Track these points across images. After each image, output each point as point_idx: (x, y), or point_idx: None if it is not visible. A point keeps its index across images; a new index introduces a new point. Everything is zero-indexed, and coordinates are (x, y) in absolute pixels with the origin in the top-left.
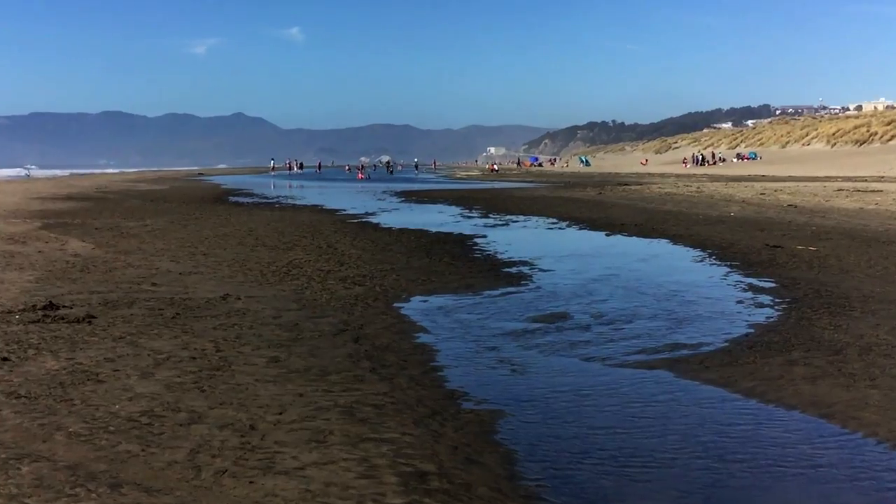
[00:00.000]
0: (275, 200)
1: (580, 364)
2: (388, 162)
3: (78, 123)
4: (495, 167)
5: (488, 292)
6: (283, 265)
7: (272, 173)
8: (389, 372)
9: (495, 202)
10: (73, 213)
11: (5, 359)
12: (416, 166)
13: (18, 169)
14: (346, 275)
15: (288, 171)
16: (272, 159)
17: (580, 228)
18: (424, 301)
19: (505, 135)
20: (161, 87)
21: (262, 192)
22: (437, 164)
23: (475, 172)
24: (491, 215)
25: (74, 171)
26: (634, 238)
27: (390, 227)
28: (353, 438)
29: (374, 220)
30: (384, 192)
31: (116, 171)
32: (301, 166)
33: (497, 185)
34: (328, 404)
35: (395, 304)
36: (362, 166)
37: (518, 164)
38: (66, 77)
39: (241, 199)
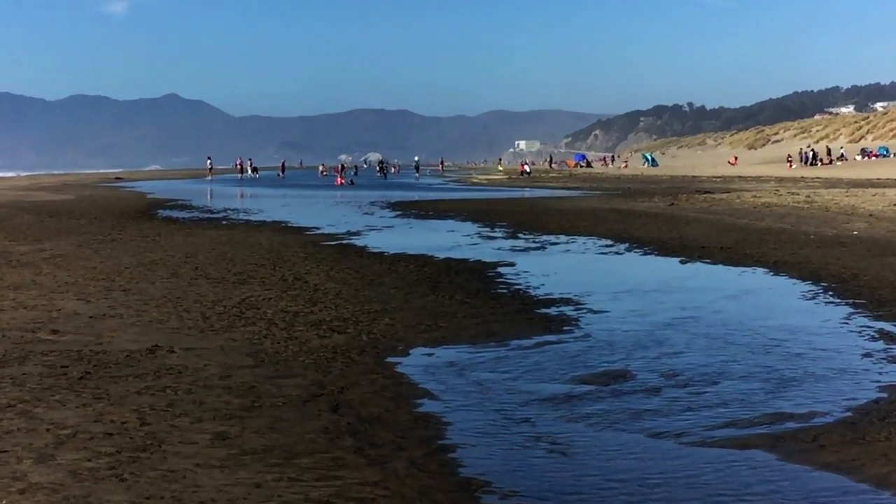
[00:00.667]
0: (221, 215)
1: (646, 442)
2: (380, 162)
3: None
4: (526, 168)
5: (518, 342)
6: (234, 305)
7: (209, 178)
8: (381, 453)
9: (527, 217)
10: None
11: None
12: (417, 167)
13: None
14: (321, 318)
15: (238, 175)
16: (208, 158)
17: (644, 253)
18: (429, 354)
19: (540, 124)
20: (64, 59)
21: (203, 203)
22: (446, 163)
23: (499, 176)
24: (521, 235)
25: None
26: (720, 266)
27: (382, 252)
28: None
29: (358, 242)
30: (373, 202)
31: (3, 174)
32: (254, 169)
33: (529, 192)
34: (296, 499)
35: (389, 359)
36: (342, 167)
37: (556, 163)
38: None
39: (175, 214)
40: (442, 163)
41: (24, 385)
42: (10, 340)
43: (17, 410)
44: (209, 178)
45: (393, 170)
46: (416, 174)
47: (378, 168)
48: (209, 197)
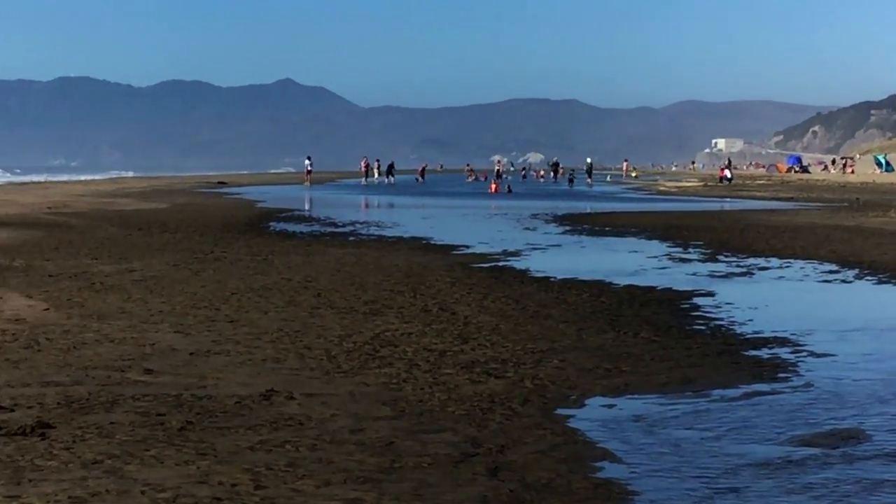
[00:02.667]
0: (348, 230)
1: None
2: (555, 165)
3: (19, 96)
4: (727, 173)
5: (721, 392)
6: (366, 341)
7: (306, 184)
8: None
9: (728, 235)
10: (10, 249)
11: None
12: (589, 171)
13: None
14: (474, 359)
15: (363, 180)
16: (308, 159)
17: (879, 282)
18: (610, 406)
19: (742, 118)
20: (156, 36)
21: (325, 213)
22: (629, 167)
23: (692, 182)
24: (721, 257)
25: (10, 177)
26: None
27: (547, 278)
28: None
29: (518, 264)
30: (535, 215)
31: (82, 176)
32: (390, 171)
33: (731, 204)
34: None
35: (560, 411)
36: (498, 172)
37: (764, 167)
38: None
39: (291, 227)
40: (627, 166)
41: (112, 437)
42: (96, 381)
43: (106, 468)
44: (306, 184)
45: (553, 174)
46: (589, 180)
47: (555, 172)
48: (341, 207)
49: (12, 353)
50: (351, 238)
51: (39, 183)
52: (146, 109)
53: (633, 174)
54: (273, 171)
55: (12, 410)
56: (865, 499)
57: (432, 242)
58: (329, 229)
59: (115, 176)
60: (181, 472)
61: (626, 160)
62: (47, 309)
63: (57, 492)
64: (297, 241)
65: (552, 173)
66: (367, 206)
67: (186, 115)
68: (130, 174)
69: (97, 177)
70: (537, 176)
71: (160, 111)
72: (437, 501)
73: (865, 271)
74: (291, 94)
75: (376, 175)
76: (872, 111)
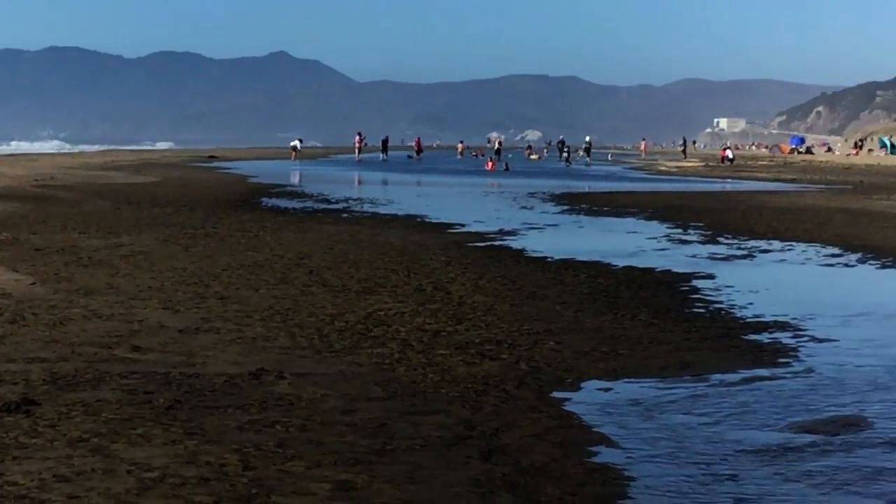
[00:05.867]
0: (342, 206)
1: None
2: (561, 143)
3: (8, 65)
4: (729, 153)
5: (720, 377)
6: (359, 320)
7: (294, 161)
8: None
9: (729, 216)
10: None
11: None
12: (588, 150)
13: None
14: (468, 339)
15: (357, 155)
16: (298, 141)
17: (883, 266)
18: (606, 389)
19: (745, 97)
20: (147, 6)
21: (318, 189)
22: (631, 147)
23: (692, 162)
24: (722, 239)
25: None
26: None
27: (544, 258)
28: None
29: (515, 243)
30: (533, 194)
31: (70, 148)
32: (384, 147)
33: (732, 184)
34: None
35: (555, 394)
36: (497, 148)
37: (767, 147)
38: None
39: (283, 203)
40: (647, 145)
41: (98, 415)
42: (82, 358)
43: (91, 446)
44: (294, 160)
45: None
46: (588, 159)
47: (562, 151)
48: (334, 182)
49: None
50: (344, 215)
51: (27, 155)
52: (137, 81)
53: (644, 152)
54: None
55: None
56: (865, 487)
57: (427, 220)
58: (322, 206)
59: (105, 148)
60: (168, 451)
61: (643, 139)
62: (34, 283)
63: (41, 470)
64: (289, 218)
65: (559, 152)
66: (361, 182)
67: (178, 88)
68: (120, 147)
69: (87, 148)
70: (530, 155)
71: (151, 83)
72: (430, 485)
73: (869, 255)
74: (285, 68)
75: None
76: (878, 92)
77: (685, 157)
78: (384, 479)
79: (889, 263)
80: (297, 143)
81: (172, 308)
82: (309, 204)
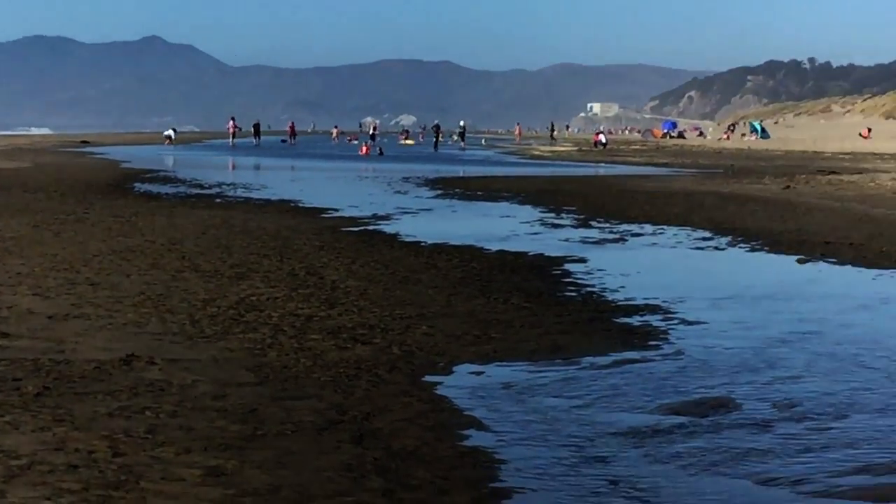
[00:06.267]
0: (215, 191)
1: (754, 491)
2: (435, 128)
3: None
4: (602, 138)
5: (591, 360)
6: (231, 306)
7: (167, 146)
8: (418, 498)
9: (602, 200)
10: None
11: None
12: (462, 135)
13: None
14: (341, 324)
15: (231, 140)
16: (172, 130)
17: (752, 249)
18: (478, 373)
19: (618, 82)
20: None
21: (191, 175)
22: (505, 132)
23: (566, 147)
24: (594, 223)
25: None
26: (849, 268)
27: (418, 242)
28: None
29: (388, 228)
30: (407, 178)
31: None
32: (257, 131)
33: (605, 169)
34: None
35: (427, 378)
36: (372, 133)
37: (640, 132)
38: None
39: (156, 189)
40: (519, 129)
41: None
42: None
43: None
44: (167, 145)
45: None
46: (462, 144)
47: (436, 134)
48: (199, 168)
49: None
50: (217, 200)
51: None
52: (8, 65)
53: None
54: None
55: None
56: (733, 468)
57: (301, 205)
58: (195, 191)
59: None
60: (37, 438)
61: (518, 123)
62: None
63: None
64: (162, 203)
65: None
66: (234, 167)
67: (50, 72)
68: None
69: None
70: (404, 140)
71: (23, 67)
72: (300, 469)
73: (739, 238)
74: (158, 52)
75: (239, 135)
76: (749, 77)
77: (554, 142)
78: (255, 464)
79: (758, 246)
80: (170, 132)
81: (42, 294)
82: (182, 189)
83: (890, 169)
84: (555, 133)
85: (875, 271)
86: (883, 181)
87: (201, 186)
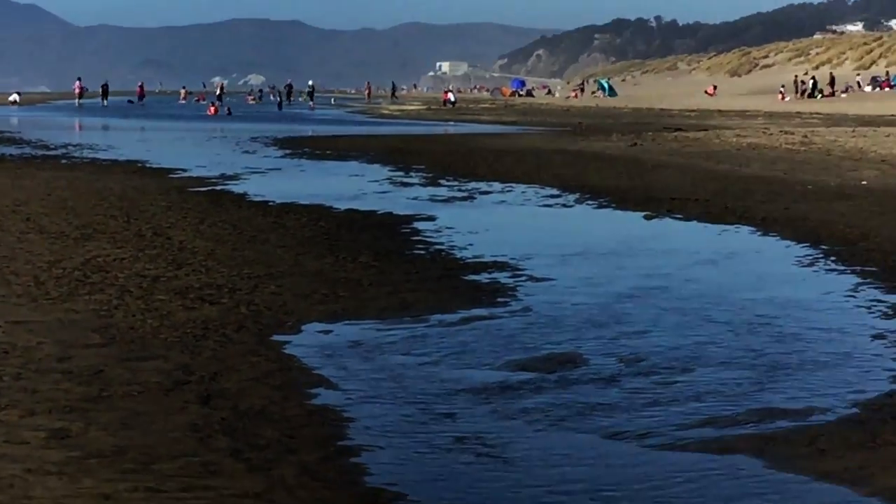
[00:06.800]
0: (60, 152)
1: (601, 444)
2: (288, 88)
3: None
4: (451, 97)
5: (439, 317)
6: (76, 267)
7: (11, 107)
8: (265, 457)
9: (451, 159)
10: None
11: None
12: (311, 94)
13: None
14: (188, 285)
15: (77, 101)
16: (17, 94)
17: (599, 206)
18: (326, 332)
19: (467, 40)
20: None
21: (36, 135)
22: (354, 91)
23: (415, 106)
24: (443, 182)
25: None
26: (694, 224)
27: (266, 202)
28: None
29: (236, 188)
30: (255, 138)
31: None
32: (104, 92)
33: (455, 127)
34: None
35: (275, 338)
36: (219, 93)
37: (489, 90)
38: None
39: None
40: (369, 88)
41: None
42: None
43: None
44: (12, 106)
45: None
46: (311, 104)
47: (287, 95)
48: (45, 129)
49: None
50: (63, 161)
51: None
52: None
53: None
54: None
55: None
56: (580, 423)
57: (148, 166)
58: (40, 152)
59: None
60: None
61: (368, 83)
62: None
63: None
64: (5, 164)
65: (288, 96)
66: (81, 128)
67: None
68: None
69: None
70: (252, 100)
71: None
72: (146, 430)
73: (586, 195)
74: (1, 12)
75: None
76: (596, 35)
77: (396, 100)
78: (100, 426)
79: (605, 203)
80: (15, 96)
81: None
82: (27, 150)
83: (734, 126)
84: (396, 93)
85: (720, 226)
86: (727, 138)
87: (47, 147)
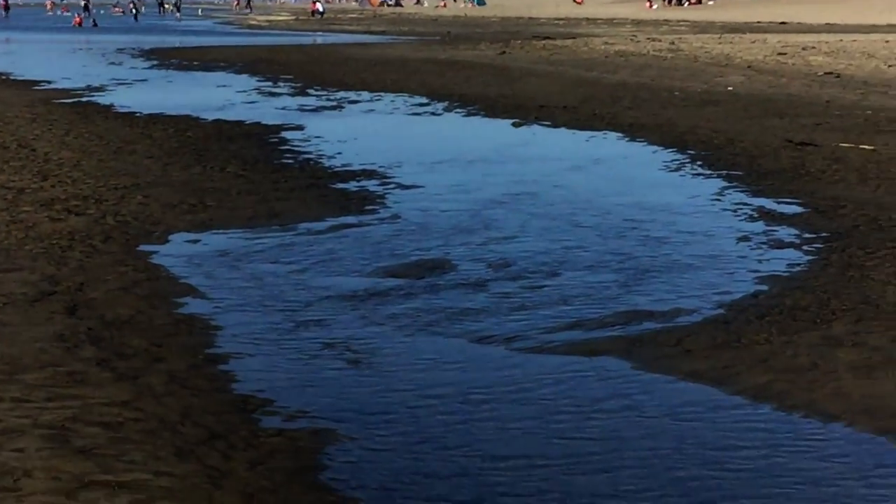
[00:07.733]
0: None
1: (469, 348)
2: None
3: None
4: (319, 7)
5: (307, 225)
6: None
7: None
8: (132, 366)
9: (319, 69)
10: None
11: None
12: (178, 5)
13: None
14: (54, 196)
15: None
16: None
17: (468, 114)
18: (194, 241)
19: None
20: None
21: None
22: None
23: (284, 17)
24: (311, 91)
25: None
26: (563, 130)
27: (133, 113)
28: (66, 485)
29: (103, 99)
30: (122, 49)
31: None
32: None
33: (322, 37)
34: (22, 424)
35: (142, 248)
36: (85, 4)
37: (356, 1)
38: None
39: None
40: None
41: None
42: None
43: None
44: None
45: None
46: (177, 15)
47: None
48: None
49: None
50: None
51: None
52: None
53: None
54: None
55: None
56: (448, 327)
57: (12, 77)
58: None
59: None
60: None
61: None
62: None
63: None
64: None
65: (159, 8)
66: None
67: None
68: None
69: None
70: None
71: None
72: (13, 341)
73: (455, 104)
74: None
75: None
76: None
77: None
78: None
79: (474, 111)
80: None
81: None
82: None
83: (602, 34)
84: (252, 2)
85: (588, 133)
86: (596, 45)
87: None
